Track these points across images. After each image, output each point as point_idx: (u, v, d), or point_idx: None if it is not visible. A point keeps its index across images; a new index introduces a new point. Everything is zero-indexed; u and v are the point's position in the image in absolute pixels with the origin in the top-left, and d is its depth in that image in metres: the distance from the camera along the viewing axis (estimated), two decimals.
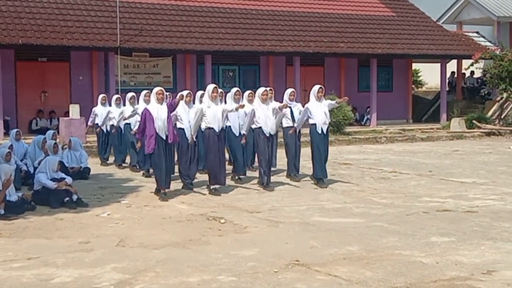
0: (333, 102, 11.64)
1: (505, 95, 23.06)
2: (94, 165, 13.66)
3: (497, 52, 23.42)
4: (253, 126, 11.04)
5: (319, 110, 11.11)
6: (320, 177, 11.22)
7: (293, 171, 11.93)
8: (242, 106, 10.87)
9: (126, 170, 13.57)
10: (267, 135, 10.90)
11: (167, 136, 10.08)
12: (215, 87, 10.67)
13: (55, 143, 11.97)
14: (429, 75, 30.15)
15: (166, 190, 10.16)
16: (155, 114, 10.01)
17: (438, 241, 7.21)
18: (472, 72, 26.05)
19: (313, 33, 22.68)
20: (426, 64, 28.33)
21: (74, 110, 17.52)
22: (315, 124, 11.09)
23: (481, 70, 25.60)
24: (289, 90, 12.14)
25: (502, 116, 22.72)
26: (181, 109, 11.05)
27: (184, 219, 8.55)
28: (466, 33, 27.02)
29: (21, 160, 11.92)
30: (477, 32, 27.68)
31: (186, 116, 11.08)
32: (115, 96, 14.74)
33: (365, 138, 19.76)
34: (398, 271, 6.04)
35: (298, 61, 21.76)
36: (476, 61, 23.59)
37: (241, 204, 9.64)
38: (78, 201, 9.53)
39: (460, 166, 13.95)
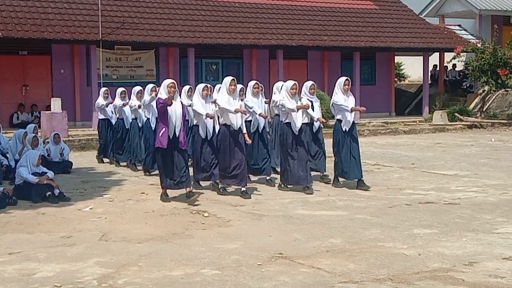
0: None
1: (486, 88, 23.21)
2: (76, 159, 13.55)
3: (479, 45, 23.56)
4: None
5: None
6: (341, 175, 10.40)
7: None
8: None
9: (107, 164, 13.48)
10: (296, 132, 10.00)
11: (175, 135, 9.09)
12: (233, 79, 9.68)
13: (35, 136, 11.85)
14: (412, 68, 30.33)
15: (193, 190, 9.38)
16: (170, 107, 9.00)
17: (421, 233, 7.25)
18: (454, 65, 26.21)
19: (296, 26, 22.67)
20: (409, 57, 28.47)
21: (56, 104, 17.37)
22: (341, 120, 10.16)
23: (463, 63, 25.76)
24: (308, 83, 10.78)
25: (484, 109, 22.86)
26: (198, 103, 10.01)
27: (168, 213, 8.53)
28: (448, 26, 27.15)
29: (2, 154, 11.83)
30: (459, 25, 27.83)
31: (204, 112, 9.97)
32: (137, 88, 12.58)
33: None
34: (381, 263, 6.07)
35: (281, 54, 21.75)
36: (458, 54, 23.72)
37: (225, 197, 9.62)
38: (60, 195, 9.46)
39: (442, 159, 14.04)
